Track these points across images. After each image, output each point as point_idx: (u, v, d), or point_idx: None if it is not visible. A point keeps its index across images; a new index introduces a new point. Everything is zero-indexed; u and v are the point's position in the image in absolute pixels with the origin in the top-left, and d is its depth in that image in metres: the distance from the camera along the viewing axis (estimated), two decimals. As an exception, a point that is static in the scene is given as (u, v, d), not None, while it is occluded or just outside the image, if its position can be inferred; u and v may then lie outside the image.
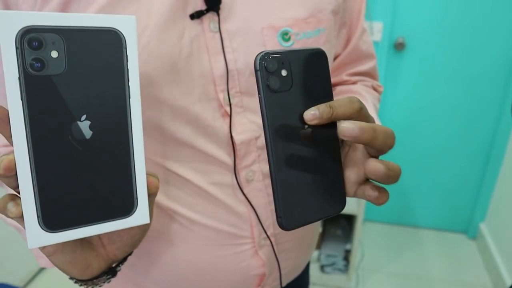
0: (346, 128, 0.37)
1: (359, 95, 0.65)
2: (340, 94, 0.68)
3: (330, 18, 0.57)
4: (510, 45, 1.95)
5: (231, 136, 0.53)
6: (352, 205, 1.81)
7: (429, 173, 2.32)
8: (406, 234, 2.45)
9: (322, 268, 2.02)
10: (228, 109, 0.52)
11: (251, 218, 0.58)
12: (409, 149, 2.27)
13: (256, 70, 0.38)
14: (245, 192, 0.56)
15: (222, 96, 0.52)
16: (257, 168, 0.56)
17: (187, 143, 0.52)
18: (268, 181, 0.57)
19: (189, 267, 0.58)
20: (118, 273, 0.46)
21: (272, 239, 0.60)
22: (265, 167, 0.57)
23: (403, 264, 2.23)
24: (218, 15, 0.51)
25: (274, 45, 0.53)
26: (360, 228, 1.83)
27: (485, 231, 2.24)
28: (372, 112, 0.60)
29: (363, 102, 0.49)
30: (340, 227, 2.15)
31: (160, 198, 0.54)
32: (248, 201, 0.57)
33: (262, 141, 0.55)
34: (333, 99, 0.40)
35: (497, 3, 1.88)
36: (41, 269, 2.04)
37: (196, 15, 0.49)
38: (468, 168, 2.25)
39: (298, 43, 0.55)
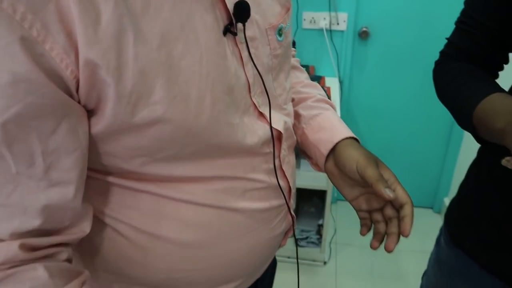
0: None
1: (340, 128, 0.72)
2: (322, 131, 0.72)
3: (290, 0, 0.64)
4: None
5: (271, 129, 0.60)
6: (322, 182, 1.96)
7: (396, 154, 2.48)
8: (377, 211, 2.61)
9: (296, 242, 2.16)
10: (262, 110, 0.58)
11: (287, 187, 0.68)
12: (376, 132, 2.43)
13: None
14: (283, 167, 0.65)
15: (256, 100, 0.57)
16: (285, 145, 0.65)
17: (254, 151, 0.58)
18: (290, 154, 0.68)
19: (251, 252, 0.65)
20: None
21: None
22: (289, 143, 0.67)
23: (373, 238, 2.39)
24: (244, 25, 0.52)
25: (274, 42, 0.59)
26: (330, 201, 1.98)
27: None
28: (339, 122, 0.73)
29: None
30: (313, 204, 2.31)
31: (230, 199, 0.59)
32: (286, 177, 0.66)
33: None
34: None
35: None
36: None
37: (231, 31, 0.50)
38: (432, 148, 2.42)
39: (285, 35, 0.61)
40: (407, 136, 2.41)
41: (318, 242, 2.15)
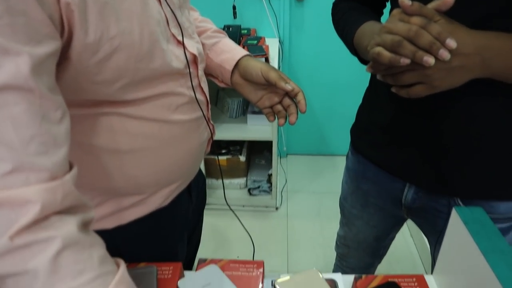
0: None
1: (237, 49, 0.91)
2: (224, 53, 0.90)
3: None
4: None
5: (185, 53, 0.74)
6: (268, 133, 2.14)
7: (339, 108, 2.69)
8: (324, 162, 2.84)
9: (249, 191, 2.36)
10: (179, 38, 0.72)
11: (206, 101, 0.85)
12: (319, 88, 2.61)
13: None
14: (202, 85, 0.82)
15: (173, 31, 0.71)
16: (201, 67, 0.81)
17: (179, 72, 0.73)
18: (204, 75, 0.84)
19: (186, 156, 0.81)
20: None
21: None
22: (203, 66, 0.82)
23: (321, 184, 2.62)
24: None
25: None
26: (276, 150, 2.17)
27: (386, 150, 2.66)
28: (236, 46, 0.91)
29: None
30: (263, 157, 2.50)
31: (167, 113, 0.73)
32: (204, 93, 0.83)
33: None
34: None
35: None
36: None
37: None
38: (370, 99, 2.63)
39: None
40: (348, 90, 2.60)
41: (269, 190, 2.35)
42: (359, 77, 2.58)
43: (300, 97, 0.82)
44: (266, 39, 2.27)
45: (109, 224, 0.80)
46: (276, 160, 2.21)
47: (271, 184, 2.33)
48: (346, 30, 0.87)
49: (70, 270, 0.49)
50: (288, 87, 0.80)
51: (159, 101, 0.72)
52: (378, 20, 0.87)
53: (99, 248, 0.54)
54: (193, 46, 0.78)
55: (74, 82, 0.60)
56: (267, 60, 1.97)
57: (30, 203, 0.47)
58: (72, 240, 0.50)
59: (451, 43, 0.60)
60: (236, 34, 2.16)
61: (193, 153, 0.84)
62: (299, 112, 0.85)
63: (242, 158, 2.29)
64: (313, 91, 2.60)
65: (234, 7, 2.32)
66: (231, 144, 2.37)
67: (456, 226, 0.72)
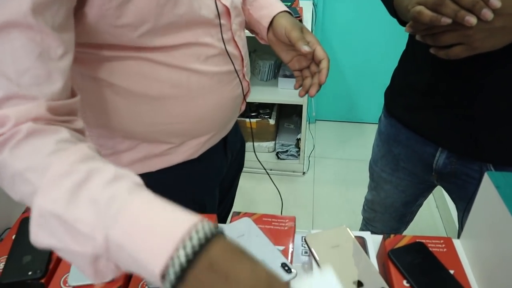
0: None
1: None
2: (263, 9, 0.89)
3: None
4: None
5: (216, 3, 0.73)
6: (298, 97, 2.13)
7: (370, 75, 2.65)
8: (352, 129, 2.83)
9: (277, 155, 2.39)
10: None
11: (240, 56, 0.84)
12: (352, 54, 2.57)
13: None
14: (235, 39, 0.80)
15: None
16: (236, 21, 0.80)
17: (209, 22, 0.73)
18: (241, 30, 0.83)
19: (216, 108, 0.82)
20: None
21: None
22: (238, 20, 0.81)
23: (348, 151, 2.62)
24: None
25: None
26: (306, 114, 2.17)
27: (416, 119, 2.62)
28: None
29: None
30: (292, 122, 2.51)
31: (196, 62, 0.74)
32: (238, 48, 0.82)
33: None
34: None
35: None
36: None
37: None
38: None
39: None
40: (379, 58, 2.55)
41: (297, 155, 2.37)
42: (393, 44, 2.52)
43: (323, 64, 0.79)
44: (300, 1, 2.24)
45: (139, 169, 0.83)
46: (305, 125, 2.22)
47: (299, 148, 2.35)
48: None
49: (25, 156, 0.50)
50: (305, 48, 0.76)
51: (188, 50, 0.73)
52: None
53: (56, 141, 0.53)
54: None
55: (97, 26, 0.62)
56: (300, 22, 1.95)
57: (7, 118, 0.50)
58: (35, 130, 0.51)
59: (495, 2, 0.59)
60: (269, -5, 2.13)
61: (224, 107, 0.84)
62: (328, 77, 0.81)
63: (272, 121, 2.31)
64: (345, 57, 2.57)
65: (268, -32, 2.27)
66: (261, 107, 2.38)
67: (488, 190, 0.72)
